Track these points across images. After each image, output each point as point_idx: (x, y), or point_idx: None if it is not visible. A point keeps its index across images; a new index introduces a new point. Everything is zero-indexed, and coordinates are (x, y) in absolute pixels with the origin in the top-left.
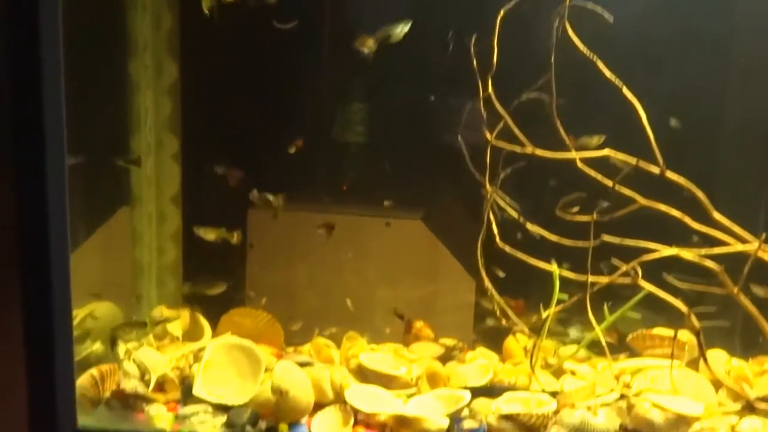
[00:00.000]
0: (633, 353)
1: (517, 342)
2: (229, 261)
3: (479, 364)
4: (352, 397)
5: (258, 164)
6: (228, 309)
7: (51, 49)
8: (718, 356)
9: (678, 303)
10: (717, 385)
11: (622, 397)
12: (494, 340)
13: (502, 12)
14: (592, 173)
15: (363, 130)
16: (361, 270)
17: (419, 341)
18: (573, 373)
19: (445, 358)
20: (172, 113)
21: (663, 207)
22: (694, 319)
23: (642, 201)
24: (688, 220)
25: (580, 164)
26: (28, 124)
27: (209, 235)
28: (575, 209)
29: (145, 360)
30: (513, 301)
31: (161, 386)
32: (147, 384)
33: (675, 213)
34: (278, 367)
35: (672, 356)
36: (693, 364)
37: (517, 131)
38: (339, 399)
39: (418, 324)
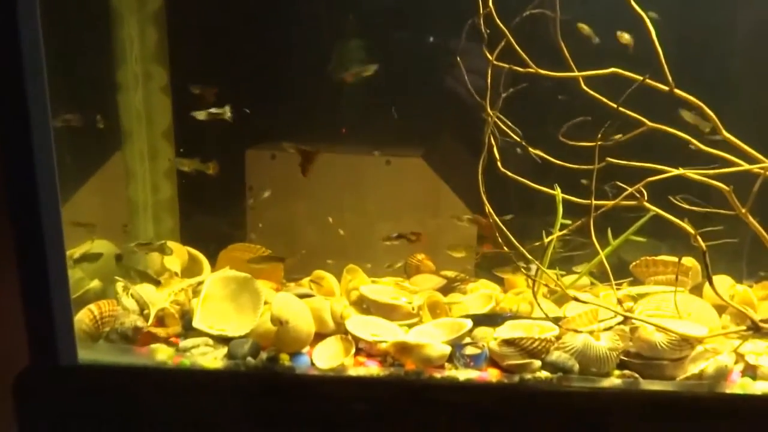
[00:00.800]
0: (636, 280)
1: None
2: (228, 198)
3: (481, 294)
4: (353, 326)
5: (255, 102)
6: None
7: None
8: (722, 281)
9: (684, 224)
10: (721, 310)
11: (625, 320)
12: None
13: None
14: (596, 95)
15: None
16: (362, 208)
17: (420, 273)
18: (576, 299)
19: (446, 290)
20: (158, 43)
21: (671, 130)
22: (700, 241)
23: (649, 124)
24: (696, 142)
25: (583, 86)
26: (6, 68)
27: (184, 165)
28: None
29: (144, 295)
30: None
31: (161, 320)
32: (146, 318)
33: (683, 136)
34: (277, 298)
35: (676, 280)
36: (696, 291)
37: (518, 50)
38: (340, 329)
39: (419, 256)
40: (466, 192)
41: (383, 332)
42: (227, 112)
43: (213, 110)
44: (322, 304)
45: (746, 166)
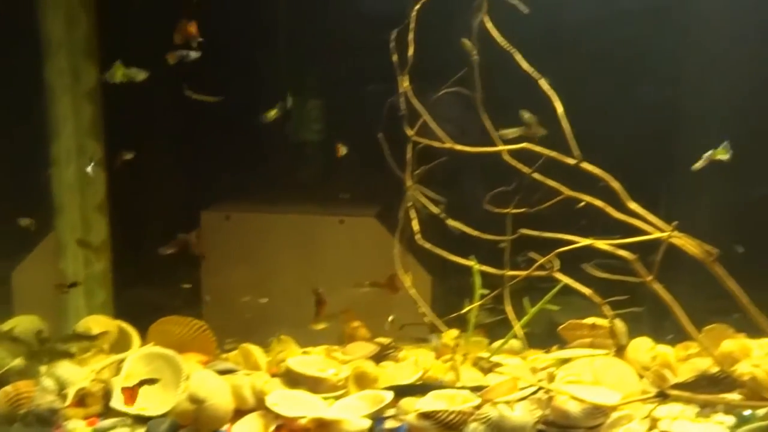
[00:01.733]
0: (564, 344)
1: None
2: (162, 267)
3: (411, 362)
4: (273, 402)
5: (201, 168)
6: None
7: None
8: (642, 343)
9: (590, 293)
10: (644, 370)
11: (541, 389)
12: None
13: (417, 6)
14: (518, 165)
15: (320, 128)
16: (315, 269)
17: (355, 341)
18: (495, 367)
19: (380, 357)
20: (92, 118)
21: (587, 198)
22: (607, 310)
23: (567, 192)
24: (610, 210)
25: (506, 157)
26: None
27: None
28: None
29: (64, 374)
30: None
31: (82, 400)
32: (65, 398)
33: (598, 203)
34: (194, 376)
35: (594, 346)
36: (623, 352)
37: (434, 126)
38: (261, 405)
39: (354, 324)
40: (421, 251)
41: (306, 406)
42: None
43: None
44: (241, 380)
45: (652, 235)
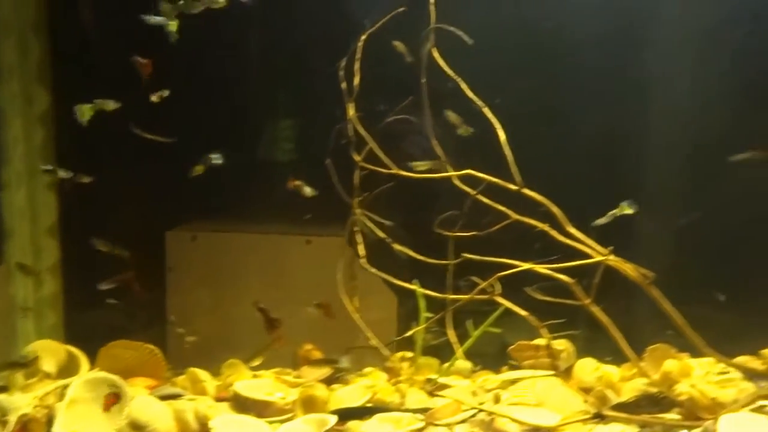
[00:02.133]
0: (515, 365)
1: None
2: (120, 290)
3: (361, 385)
4: (214, 426)
5: (166, 188)
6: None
7: None
8: (587, 364)
9: (528, 316)
10: (588, 391)
11: (481, 411)
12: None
13: (363, 36)
14: (467, 189)
15: (291, 148)
16: (281, 289)
17: (308, 364)
18: (441, 389)
19: (332, 380)
20: (44, 141)
21: (533, 222)
22: (544, 333)
23: (514, 216)
24: (554, 233)
25: (456, 182)
26: None
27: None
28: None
29: (4, 401)
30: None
31: (25, 426)
32: (5, 425)
33: (542, 226)
34: (136, 402)
35: (540, 366)
36: (567, 374)
37: (380, 153)
38: (204, 430)
39: (307, 347)
40: (388, 271)
41: (249, 431)
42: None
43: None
44: (184, 405)
45: (591, 260)
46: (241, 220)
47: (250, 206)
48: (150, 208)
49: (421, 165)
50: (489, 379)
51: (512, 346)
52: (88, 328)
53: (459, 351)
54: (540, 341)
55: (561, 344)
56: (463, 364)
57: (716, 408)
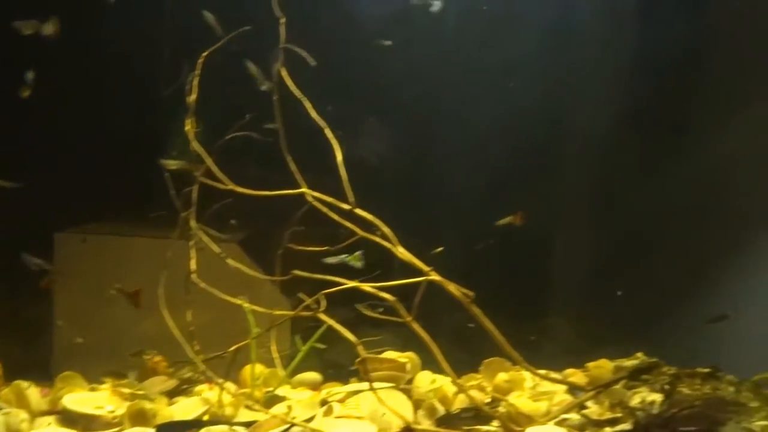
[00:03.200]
0: (362, 377)
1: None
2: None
3: (199, 398)
4: None
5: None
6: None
7: None
8: (425, 377)
9: (348, 334)
10: (420, 402)
11: (294, 426)
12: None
13: (204, 54)
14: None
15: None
16: (171, 292)
17: (157, 375)
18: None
19: (176, 392)
20: None
21: (377, 239)
22: (361, 350)
23: (360, 233)
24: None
25: (310, 199)
26: None
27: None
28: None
29: None
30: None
31: None
32: None
33: (387, 244)
34: None
35: (385, 379)
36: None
37: (215, 169)
38: None
39: (156, 359)
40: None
41: None
42: None
43: None
44: None
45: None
46: (136, 224)
47: (145, 210)
48: (36, 211)
49: (172, 164)
50: (332, 391)
51: (358, 359)
52: None
53: (283, 373)
54: (388, 354)
55: (406, 357)
56: (311, 375)
57: (526, 421)
